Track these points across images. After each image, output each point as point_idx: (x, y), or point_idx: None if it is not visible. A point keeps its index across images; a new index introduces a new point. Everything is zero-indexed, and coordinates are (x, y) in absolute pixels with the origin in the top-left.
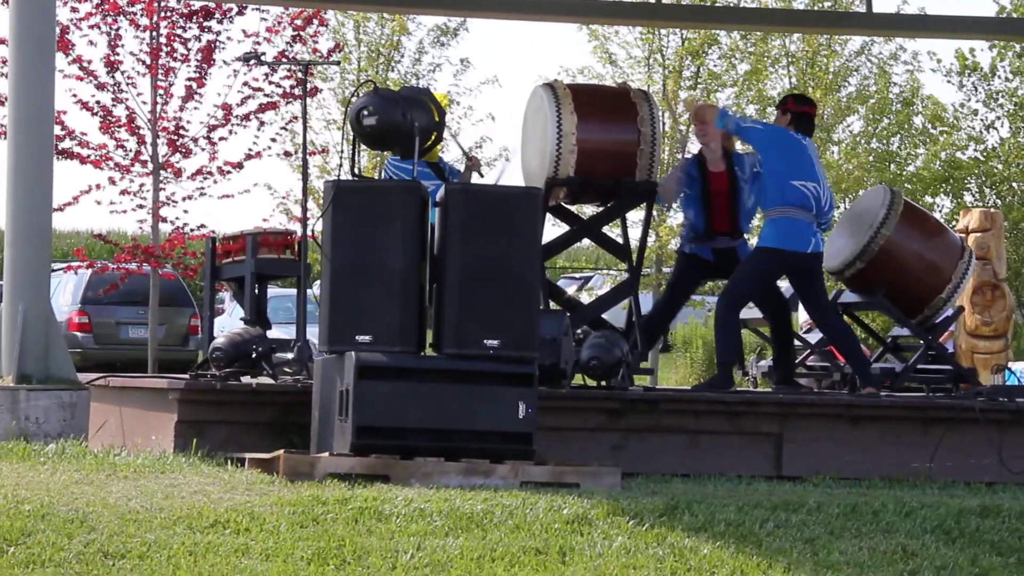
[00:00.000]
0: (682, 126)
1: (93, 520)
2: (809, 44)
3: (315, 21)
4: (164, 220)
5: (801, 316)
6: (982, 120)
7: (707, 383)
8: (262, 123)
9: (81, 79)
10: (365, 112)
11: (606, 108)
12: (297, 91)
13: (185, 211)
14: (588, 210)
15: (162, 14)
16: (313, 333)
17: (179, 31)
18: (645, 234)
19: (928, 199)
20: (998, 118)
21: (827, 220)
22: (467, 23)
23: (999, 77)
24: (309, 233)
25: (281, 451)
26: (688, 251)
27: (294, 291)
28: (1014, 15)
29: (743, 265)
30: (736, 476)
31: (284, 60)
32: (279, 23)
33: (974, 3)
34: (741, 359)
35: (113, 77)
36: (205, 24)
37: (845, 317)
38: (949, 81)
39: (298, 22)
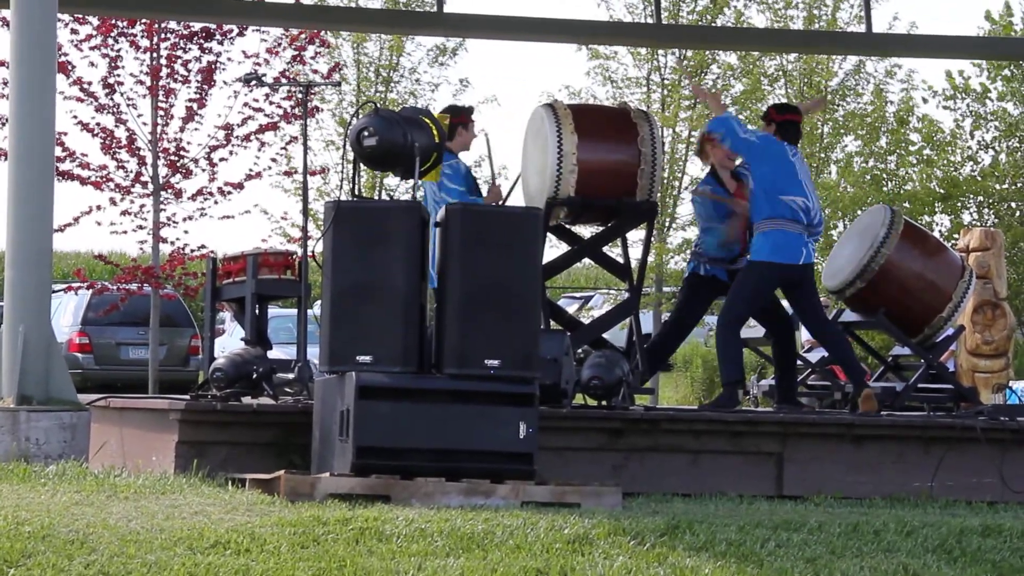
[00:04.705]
0: (680, 144)
1: (94, 541)
2: (806, 63)
3: (316, 41)
4: (164, 241)
5: (803, 335)
6: (979, 141)
7: (712, 403)
8: (262, 144)
9: (82, 100)
10: (366, 133)
11: (606, 128)
12: (297, 111)
13: (185, 232)
14: (587, 230)
15: (162, 35)
16: (314, 353)
17: (179, 52)
18: (646, 254)
19: (926, 218)
20: (994, 138)
21: (818, 232)
22: (465, 43)
23: (990, 99)
24: (310, 253)
25: (282, 472)
26: (703, 272)
27: (295, 311)
28: (1009, 33)
29: (738, 282)
30: (737, 496)
31: (284, 81)
32: (279, 44)
33: (959, 22)
34: (743, 378)
35: (113, 99)
36: (205, 45)
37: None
38: (946, 107)
39: (299, 42)
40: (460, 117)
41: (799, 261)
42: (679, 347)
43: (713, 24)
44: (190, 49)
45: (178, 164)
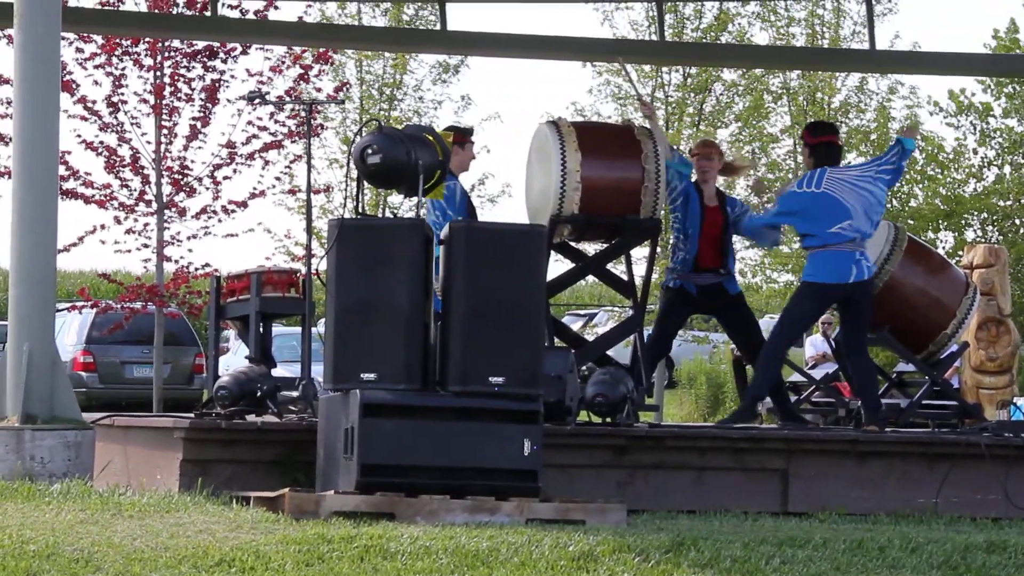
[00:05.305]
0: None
1: (98, 560)
2: (809, 80)
3: (321, 60)
4: (168, 259)
5: (806, 353)
6: (982, 158)
7: (732, 415)
8: (266, 162)
9: (86, 119)
10: (369, 150)
11: (610, 145)
12: (301, 130)
13: (189, 250)
14: (591, 247)
15: (166, 54)
16: (318, 371)
17: (183, 70)
18: (649, 271)
19: (930, 235)
20: (997, 155)
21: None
22: (467, 60)
23: (994, 116)
24: (313, 271)
25: (286, 489)
26: (673, 285)
27: (299, 329)
28: (1015, 50)
29: (790, 301)
30: (742, 512)
31: (288, 99)
32: (283, 62)
33: (962, 39)
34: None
35: (117, 117)
36: (209, 63)
37: None
38: (949, 123)
39: (304, 60)
40: (457, 137)
41: (848, 280)
42: (662, 359)
43: (716, 41)
44: (194, 67)
45: (182, 182)
